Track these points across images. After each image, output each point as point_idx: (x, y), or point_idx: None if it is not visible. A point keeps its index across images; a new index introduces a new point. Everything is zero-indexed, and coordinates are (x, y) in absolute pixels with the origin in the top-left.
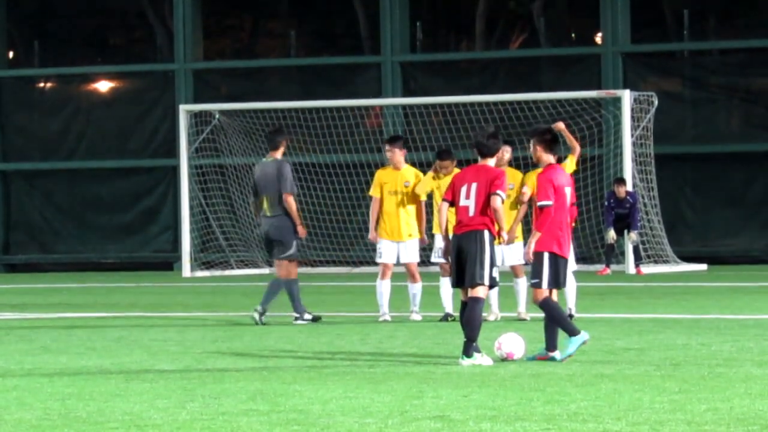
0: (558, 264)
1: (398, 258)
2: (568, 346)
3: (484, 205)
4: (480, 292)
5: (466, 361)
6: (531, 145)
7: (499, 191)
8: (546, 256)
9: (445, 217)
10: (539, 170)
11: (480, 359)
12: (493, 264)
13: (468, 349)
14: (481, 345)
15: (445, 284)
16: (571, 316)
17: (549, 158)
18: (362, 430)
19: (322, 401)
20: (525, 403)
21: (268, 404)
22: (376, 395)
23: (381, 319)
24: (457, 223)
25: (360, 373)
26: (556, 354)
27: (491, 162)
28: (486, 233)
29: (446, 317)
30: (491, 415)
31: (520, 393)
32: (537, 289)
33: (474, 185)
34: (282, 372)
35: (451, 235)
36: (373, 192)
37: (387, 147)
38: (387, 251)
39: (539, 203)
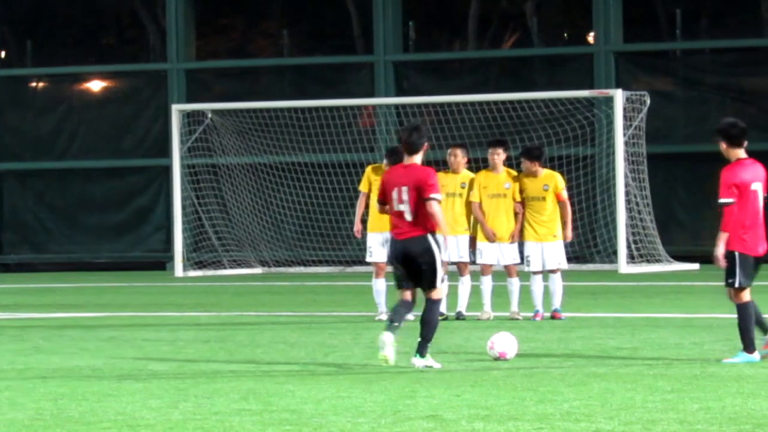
0: (746, 262)
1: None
2: (738, 355)
3: (420, 209)
4: (437, 294)
5: (419, 361)
6: (719, 143)
7: (432, 195)
8: (736, 255)
9: (362, 208)
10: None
11: (432, 362)
12: (443, 265)
13: (423, 349)
14: (474, 345)
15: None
16: (556, 315)
17: (736, 153)
18: (355, 430)
19: (314, 401)
20: (517, 402)
21: (260, 404)
22: (368, 395)
23: (377, 318)
24: (395, 226)
25: (352, 372)
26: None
27: (418, 159)
28: (429, 236)
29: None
30: (484, 414)
31: (512, 392)
32: (733, 289)
33: (405, 189)
34: (274, 372)
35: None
36: (362, 187)
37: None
38: (376, 249)
39: (719, 201)
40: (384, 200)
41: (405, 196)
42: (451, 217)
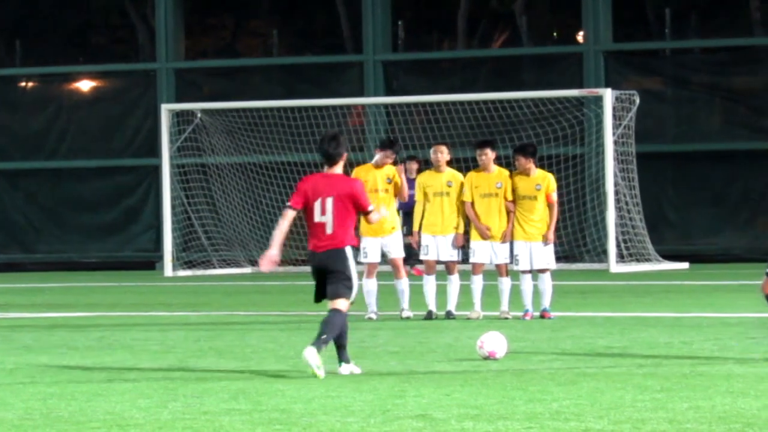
0: None
1: (382, 255)
2: None
3: (343, 221)
4: (342, 305)
5: (345, 368)
6: None
7: (370, 209)
8: None
9: (287, 225)
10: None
11: (320, 362)
12: (356, 280)
13: (343, 354)
14: (464, 344)
15: (429, 282)
16: (545, 314)
17: None
18: (344, 429)
19: (304, 400)
20: (507, 401)
21: (250, 403)
22: (358, 394)
23: (367, 316)
24: (313, 238)
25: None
26: None
27: (338, 169)
28: (347, 250)
29: (429, 315)
30: (473, 413)
31: (502, 392)
32: None
33: (329, 200)
34: (264, 371)
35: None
36: None
37: (389, 152)
38: (372, 250)
39: None
40: (299, 208)
41: (329, 208)
42: (440, 216)
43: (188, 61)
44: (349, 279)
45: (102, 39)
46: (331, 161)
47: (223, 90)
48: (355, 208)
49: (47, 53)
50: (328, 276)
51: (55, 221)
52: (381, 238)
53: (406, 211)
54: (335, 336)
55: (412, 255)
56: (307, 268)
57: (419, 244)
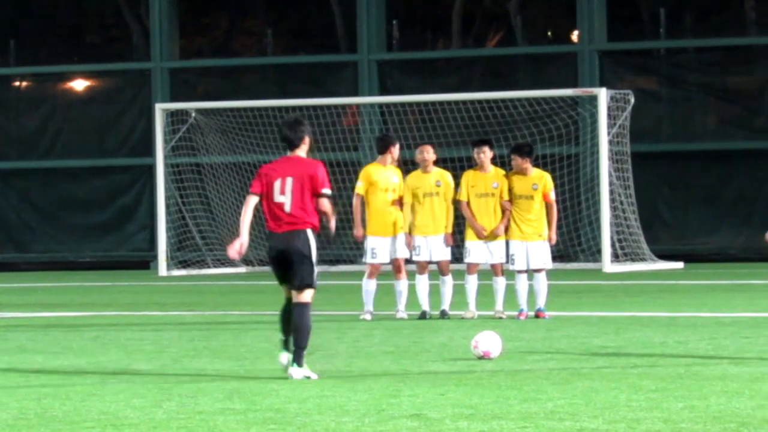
0: None
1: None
2: None
3: (303, 201)
4: (308, 296)
5: (296, 371)
6: None
7: (324, 190)
8: None
9: (251, 212)
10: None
11: (309, 372)
12: (317, 264)
13: (299, 358)
14: (458, 344)
15: (422, 282)
16: (540, 314)
17: None
18: (339, 429)
19: (298, 400)
20: (502, 401)
21: (244, 403)
22: (352, 394)
23: (362, 317)
24: (273, 220)
25: (337, 371)
26: None
27: (302, 153)
28: (309, 232)
29: (423, 315)
30: (468, 413)
31: (496, 391)
32: None
33: (289, 180)
34: (258, 371)
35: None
36: (359, 189)
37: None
38: (381, 251)
39: None
40: (262, 193)
41: (288, 188)
42: (431, 217)
43: (182, 61)
44: (311, 265)
45: (96, 38)
46: (292, 145)
47: (218, 89)
48: (313, 189)
49: (41, 53)
50: (290, 260)
51: (50, 221)
52: (390, 238)
53: None
54: (304, 338)
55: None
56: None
57: (413, 246)
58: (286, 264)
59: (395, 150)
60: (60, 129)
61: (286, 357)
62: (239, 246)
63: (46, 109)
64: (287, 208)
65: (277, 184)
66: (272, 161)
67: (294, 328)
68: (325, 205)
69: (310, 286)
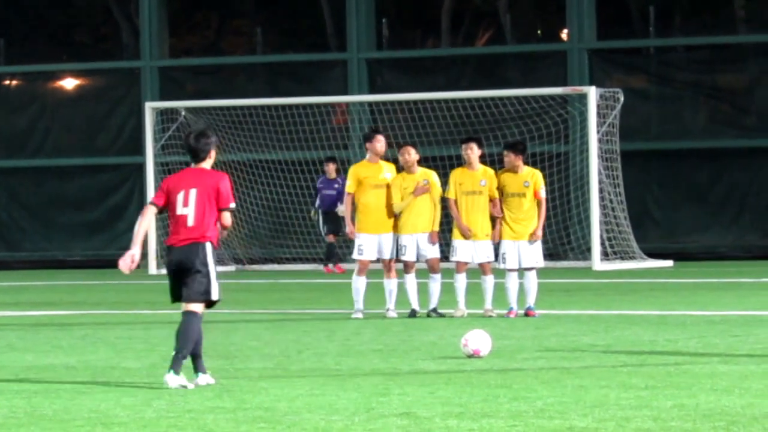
0: None
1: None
2: None
3: (205, 215)
4: (198, 307)
5: (171, 377)
6: None
7: (231, 205)
8: None
9: (147, 222)
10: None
11: (186, 381)
12: (216, 279)
13: (177, 365)
14: (448, 342)
15: (410, 281)
16: (530, 312)
17: None
18: (328, 428)
19: (288, 398)
20: (491, 399)
21: (234, 401)
22: (342, 392)
23: (354, 316)
24: (174, 234)
25: (326, 370)
26: None
27: (206, 165)
28: (209, 245)
29: (413, 313)
30: (457, 411)
31: (486, 390)
32: None
33: (193, 192)
34: (248, 369)
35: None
36: (349, 188)
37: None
38: (368, 248)
39: None
40: (164, 205)
41: (192, 200)
42: (418, 216)
43: (172, 60)
44: (208, 278)
45: (86, 37)
46: (198, 157)
47: (207, 88)
48: (217, 203)
49: (31, 51)
50: (186, 274)
51: (40, 219)
52: (378, 236)
53: (325, 212)
54: (187, 344)
55: (333, 254)
56: (292, 266)
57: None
58: (180, 277)
59: (380, 140)
60: (50, 128)
61: (203, 379)
62: (130, 259)
63: (35, 107)
64: (190, 221)
65: (179, 197)
66: (175, 173)
67: (179, 333)
68: (227, 219)
69: (201, 300)
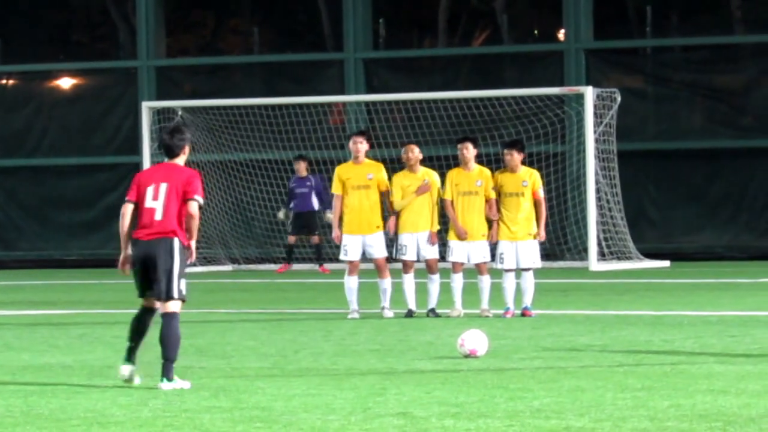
0: None
1: (363, 253)
2: None
3: (175, 210)
4: (175, 306)
5: (166, 385)
6: None
7: (196, 197)
8: None
9: (128, 221)
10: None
11: (181, 383)
12: (183, 276)
13: (168, 371)
14: (444, 342)
15: (408, 280)
16: (526, 312)
17: None
18: (325, 427)
19: (284, 398)
20: (488, 399)
21: (230, 401)
22: (338, 392)
23: (350, 316)
24: (141, 227)
25: (323, 370)
26: None
27: (180, 161)
28: (176, 241)
29: (409, 313)
30: (454, 411)
31: (483, 390)
32: None
33: (163, 186)
34: (245, 369)
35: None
36: (335, 189)
37: (355, 137)
38: (352, 248)
39: None
40: (136, 200)
41: (161, 194)
42: (419, 215)
43: (169, 59)
44: (175, 273)
45: (83, 37)
46: (172, 153)
47: (204, 88)
48: (184, 195)
49: (28, 51)
50: (154, 270)
51: (36, 219)
52: (363, 237)
53: (297, 213)
54: (173, 350)
55: (321, 255)
56: (291, 267)
57: (398, 243)
58: (150, 271)
59: (355, 140)
60: (46, 127)
61: (127, 369)
62: (123, 260)
63: (32, 107)
64: (158, 215)
65: (150, 190)
66: (148, 168)
67: (161, 340)
68: (194, 208)
69: (174, 297)
